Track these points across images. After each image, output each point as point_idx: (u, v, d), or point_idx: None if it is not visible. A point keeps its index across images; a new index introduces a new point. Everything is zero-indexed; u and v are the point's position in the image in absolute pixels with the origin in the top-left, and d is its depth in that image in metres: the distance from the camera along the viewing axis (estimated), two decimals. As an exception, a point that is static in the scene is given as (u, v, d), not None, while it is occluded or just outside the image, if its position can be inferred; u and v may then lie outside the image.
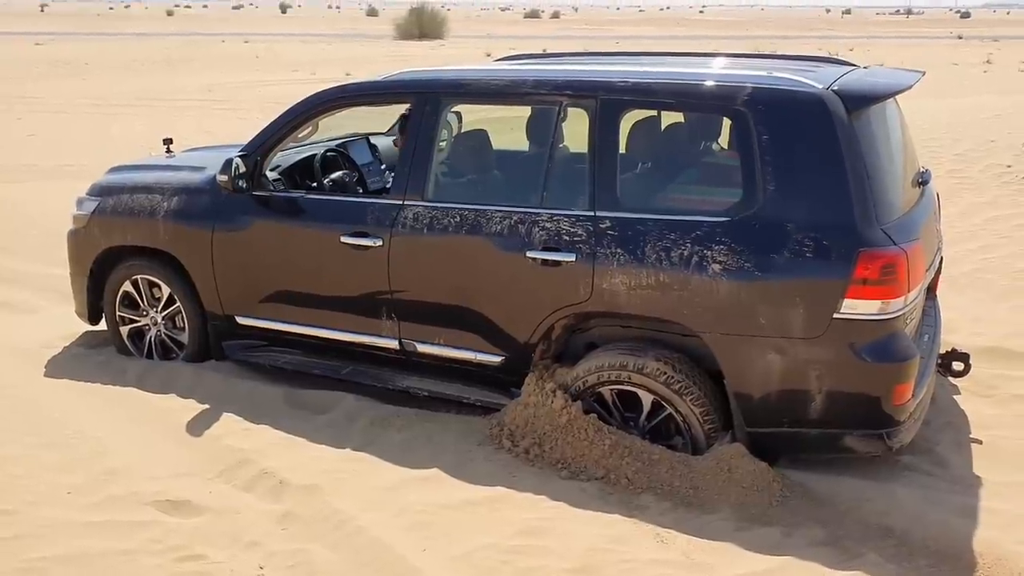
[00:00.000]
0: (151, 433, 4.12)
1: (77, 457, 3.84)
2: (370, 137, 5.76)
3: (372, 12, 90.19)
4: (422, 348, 4.41)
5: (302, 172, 5.09)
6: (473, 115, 5.28)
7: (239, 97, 21.52)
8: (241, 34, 47.75)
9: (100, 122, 16.25)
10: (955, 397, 4.57)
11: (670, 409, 3.88)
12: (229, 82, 25.37)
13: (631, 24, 62.23)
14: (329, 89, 4.61)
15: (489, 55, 35.93)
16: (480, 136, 4.66)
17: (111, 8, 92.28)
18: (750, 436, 3.78)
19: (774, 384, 3.66)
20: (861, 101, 3.69)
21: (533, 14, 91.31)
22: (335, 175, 5.05)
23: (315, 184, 5.02)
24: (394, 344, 4.46)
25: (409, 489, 3.62)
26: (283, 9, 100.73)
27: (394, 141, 5.13)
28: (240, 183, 4.55)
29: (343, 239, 4.39)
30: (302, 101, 4.63)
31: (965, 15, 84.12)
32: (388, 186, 5.46)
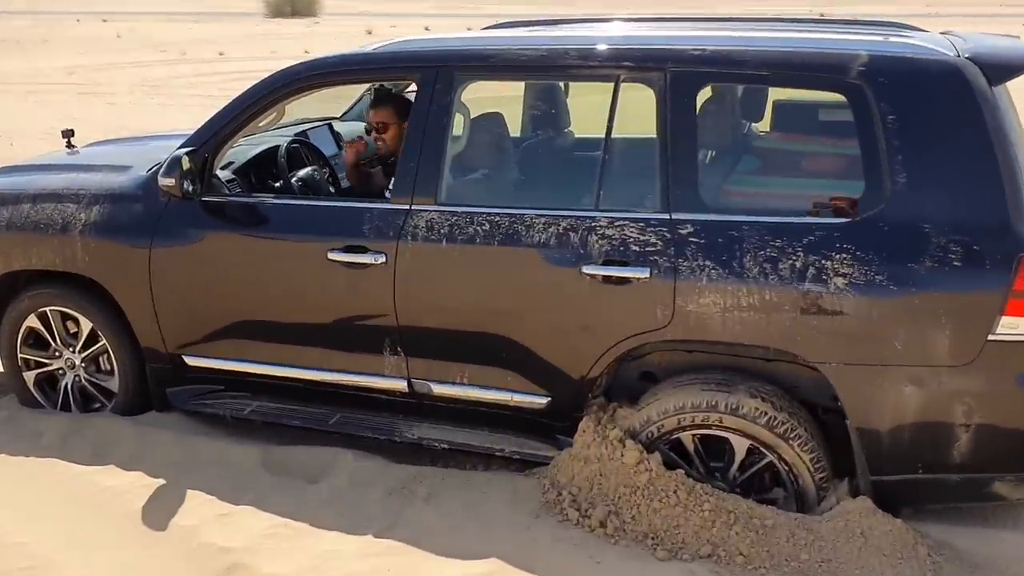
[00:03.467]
0: (98, 529, 3.07)
1: (-4, 580, 2.79)
2: (332, 123, 4.76)
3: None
4: (439, 389, 3.51)
5: (258, 169, 4.07)
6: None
7: (105, 80, 19.70)
8: (98, 12, 44.44)
9: (-53, 110, 14.34)
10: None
11: (771, 457, 3.13)
12: (91, 64, 23.31)
13: (512, 4, 61.15)
14: (302, 64, 3.61)
15: (370, 33, 34.50)
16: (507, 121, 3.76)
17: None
18: (874, 485, 3.07)
19: (909, 422, 2.95)
20: (1004, 71, 2.99)
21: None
22: (303, 172, 4.06)
23: (278, 184, 4.01)
24: (401, 385, 3.55)
25: (473, 594, 2.74)
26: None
27: (366, 129, 4.14)
28: (187, 185, 3.52)
29: (331, 255, 3.44)
30: (266, 81, 3.62)
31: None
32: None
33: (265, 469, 3.47)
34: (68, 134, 4.71)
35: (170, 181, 3.47)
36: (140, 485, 3.32)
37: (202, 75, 20.89)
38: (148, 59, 25.13)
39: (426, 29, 35.47)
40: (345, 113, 5.10)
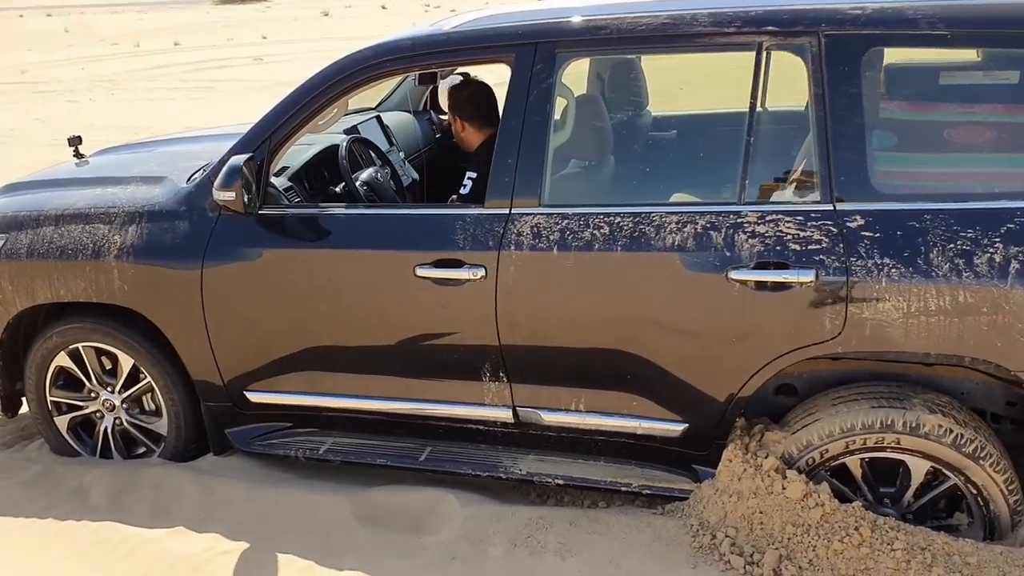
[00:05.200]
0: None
1: None
2: (381, 115, 4.23)
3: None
4: (550, 418, 3.06)
5: (310, 174, 3.56)
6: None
7: (61, 77, 18.88)
8: (41, 7, 42.92)
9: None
10: None
11: (955, 479, 2.71)
12: (43, 61, 22.44)
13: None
14: (370, 49, 3.08)
15: (327, 14, 33.62)
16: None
17: None
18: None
19: None
20: None
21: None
22: (365, 175, 3.55)
23: (339, 189, 3.51)
24: (505, 414, 3.09)
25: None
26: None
27: (430, 122, 3.62)
28: (247, 198, 3.00)
29: (420, 271, 2.96)
30: (327, 71, 3.09)
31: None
32: (416, 179, 4.03)
33: (359, 522, 2.99)
34: (75, 142, 4.14)
35: (229, 195, 2.95)
36: (220, 551, 2.83)
37: (161, 67, 20.10)
38: (101, 53, 24.28)
39: (383, 8, 34.58)
40: (381, 103, 4.57)
